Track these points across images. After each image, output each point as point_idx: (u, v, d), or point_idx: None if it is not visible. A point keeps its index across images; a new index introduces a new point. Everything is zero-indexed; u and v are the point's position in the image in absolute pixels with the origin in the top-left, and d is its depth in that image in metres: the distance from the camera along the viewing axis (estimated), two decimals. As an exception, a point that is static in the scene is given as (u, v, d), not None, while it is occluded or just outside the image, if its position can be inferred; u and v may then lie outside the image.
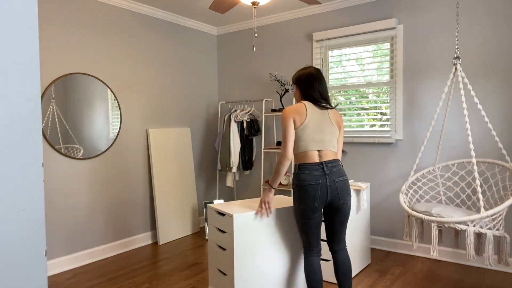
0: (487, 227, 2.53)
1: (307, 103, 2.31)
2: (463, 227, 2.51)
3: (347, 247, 2.55)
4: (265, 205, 2.36)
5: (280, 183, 4.16)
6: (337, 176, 2.25)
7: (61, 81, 3.34)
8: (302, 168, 2.25)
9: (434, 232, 2.62)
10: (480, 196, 2.51)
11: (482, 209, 2.48)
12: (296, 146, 2.28)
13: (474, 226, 2.51)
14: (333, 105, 2.42)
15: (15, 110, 1.21)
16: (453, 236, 3.43)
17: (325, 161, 2.24)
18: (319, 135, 2.26)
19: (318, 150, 2.26)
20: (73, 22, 3.44)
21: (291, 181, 4.09)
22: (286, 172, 4.18)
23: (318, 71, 2.37)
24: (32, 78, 1.25)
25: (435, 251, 2.63)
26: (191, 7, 4.12)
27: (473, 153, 2.61)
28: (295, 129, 2.25)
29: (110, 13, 3.75)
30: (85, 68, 3.54)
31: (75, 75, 3.44)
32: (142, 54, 4.07)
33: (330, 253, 2.44)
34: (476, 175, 2.58)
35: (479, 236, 2.76)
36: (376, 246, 3.86)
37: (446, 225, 2.56)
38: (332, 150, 2.29)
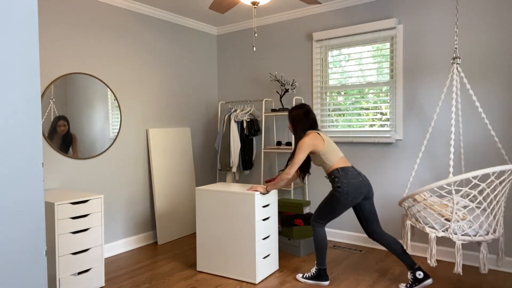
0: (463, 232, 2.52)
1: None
2: (431, 230, 2.51)
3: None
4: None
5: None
6: None
7: (61, 81, 3.34)
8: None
9: (431, 236, 2.61)
10: (451, 163, 2.55)
11: (450, 175, 2.54)
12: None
13: (444, 231, 2.52)
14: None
15: (15, 110, 1.21)
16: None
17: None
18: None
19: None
20: (73, 22, 3.44)
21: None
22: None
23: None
24: (32, 78, 1.25)
25: (432, 260, 2.61)
26: (191, 7, 4.12)
27: (451, 169, 2.60)
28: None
29: (110, 13, 3.75)
30: (85, 68, 3.54)
31: (75, 75, 3.45)
32: (142, 54, 4.07)
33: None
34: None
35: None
36: (376, 246, 3.86)
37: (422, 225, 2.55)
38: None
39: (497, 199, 2.49)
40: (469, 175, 2.36)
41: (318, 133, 2.95)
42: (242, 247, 3.05)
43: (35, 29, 1.25)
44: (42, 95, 3.20)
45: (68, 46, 3.41)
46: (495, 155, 3.22)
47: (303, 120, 3.00)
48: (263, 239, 3.11)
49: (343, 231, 4.07)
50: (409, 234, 2.94)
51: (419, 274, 2.78)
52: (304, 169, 3.15)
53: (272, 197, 3.24)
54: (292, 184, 4.05)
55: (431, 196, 2.68)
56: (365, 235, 3.91)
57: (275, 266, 3.30)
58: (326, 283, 2.98)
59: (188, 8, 4.17)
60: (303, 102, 4.28)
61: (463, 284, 2.97)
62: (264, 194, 3.07)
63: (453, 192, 2.44)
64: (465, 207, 2.67)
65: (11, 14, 1.19)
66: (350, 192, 2.80)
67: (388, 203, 3.78)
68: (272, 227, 3.24)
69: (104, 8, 3.69)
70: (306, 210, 3.79)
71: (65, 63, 3.39)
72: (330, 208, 2.89)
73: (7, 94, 1.19)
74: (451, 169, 2.58)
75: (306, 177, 3.19)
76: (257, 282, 3.02)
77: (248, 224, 3.02)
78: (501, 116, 3.20)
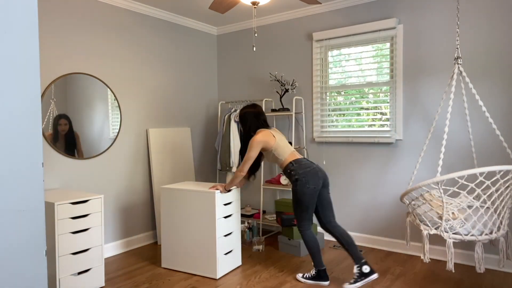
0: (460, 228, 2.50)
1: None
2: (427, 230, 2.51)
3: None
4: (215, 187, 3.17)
5: (281, 183, 4.16)
6: None
7: (61, 81, 3.34)
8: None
9: (423, 234, 2.62)
10: (440, 162, 2.56)
11: (438, 174, 2.55)
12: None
13: (436, 228, 2.52)
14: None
15: (15, 110, 1.21)
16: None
17: None
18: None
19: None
20: (73, 22, 3.44)
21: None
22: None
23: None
24: (32, 78, 1.25)
25: (426, 256, 2.62)
26: (191, 7, 4.12)
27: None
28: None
29: (110, 13, 3.75)
30: (85, 68, 3.54)
31: (75, 75, 3.44)
32: (142, 54, 4.07)
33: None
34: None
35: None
36: (376, 246, 3.86)
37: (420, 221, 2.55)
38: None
39: (491, 199, 2.46)
40: (455, 175, 2.35)
41: (270, 131, 3.05)
42: (203, 244, 3.16)
43: (35, 29, 1.25)
44: (42, 95, 3.20)
45: (68, 46, 3.41)
46: (500, 154, 3.22)
47: (253, 119, 3.11)
48: (225, 236, 3.21)
49: (343, 231, 4.07)
50: (408, 231, 2.94)
51: (366, 268, 2.83)
52: (253, 169, 3.22)
53: (234, 196, 3.35)
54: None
55: (427, 191, 2.68)
56: (365, 235, 3.91)
57: (238, 262, 3.41)
58: (326, 283, 2.99)
59: (188, 8, 4.17)
60: (303, 102, 4.29)
61: (463, 284, 2.97)
62: (223, 192, 3.16)
63: (441, 191, 2.44)
64: (469, 207, 2.66)
65: (11, 14, 1.19)
66: (309, 181, 2.87)
67: (388, 203, 3.78)
68: (234, 224, 3.35)
69: (104, 8, 3.69)
70: (306, 210, 3.78)
71: (65, 63, 3.39)
72: (301, 206, 2.93)
73: (7, 94, 1.19)
74: (439, 169, 2.61)
75: (252, 178, 3.30)
76: (217, 277, 3.12)
77: (209, 221, 3.13)
78: (505, 116, 3.20)
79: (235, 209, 3.34)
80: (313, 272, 3.02)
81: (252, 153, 2.99)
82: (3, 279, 1.18)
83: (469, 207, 2.65)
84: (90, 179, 3.59)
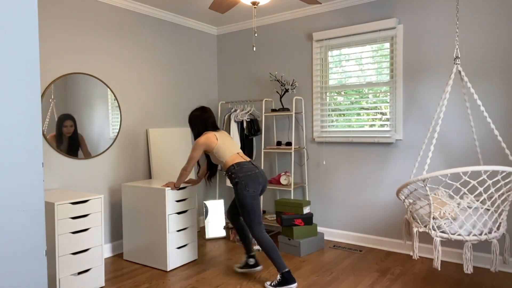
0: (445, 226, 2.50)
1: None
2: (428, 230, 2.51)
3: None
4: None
5: (281, 183, 4.16)
6: None
7: (61, 81, 3.34)
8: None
9: (413, 231, 2.64)
10: (428, 160, 2.58)
11: (424, 172, 2.64)
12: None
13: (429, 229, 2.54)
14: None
15: (15, 110, 1.21)
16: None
17: None
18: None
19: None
20: (73, 22, 3.45)
21: (290, 180, 4.09)
22: (286, 172, 4.18)
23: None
24: (32, 78, 1.25)
25: (414, 253, 2.63)
26: (191, 7, 4.12)
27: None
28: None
29: (110, 13, 3.75)
30: (85, 68, 3.54)
31: (75, 75, 3.45)
32: (142, 54, 4.07)
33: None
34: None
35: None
36: (376, 246, 3.86)
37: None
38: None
39: (480, 200, 2.42)
40: (439, 173, 2.35)
41: (214, 133, 3.11)
42: (156, 238, 3.36)
43: (35, 29, 1.25)
44: (42, 95, 3.20)
45: (68, 46, 3.41)
46: (500, 155, 3.22)
47: (200, 121, 3.17)
48: (178, 231, 3.39)
49: (343, 231, 4.08)
50: (404, 228, 2.95)
51: (251, 261, 3.19)
52: (210, 170, 3.39)
53: (190, 192, 3.52)
54: (292, 184, 4.05)
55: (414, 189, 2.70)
56: (365, 235, 3.92)
57: (193, 256, 3.57)
58: (294, 285, 2.90)
59: (188, 8, 4.17)
60: (303, 102, 4.29)
61: (463, 284, 2.97)
62: (173, 189, 3.33)
63: (427, 189, 2.44)
64: (469, 207, 2.66)
65: (11, 14, 1.19)
66: (249, 185, 2.91)
67: (388, 203, 3.78)
68: (189, 220, 3.52)
69: (104, 8, 3.69)
70: (306, 210, 3.79)
71: (65, 63, 3.39)
72: (246, 209, 2.94)
73: (7, 94, 1.19)
74: (426, 167, 2.65)
75: (211, 178, 3.48)
76: (168, 270, 3.30)
77: (161, 216, 3.32)
78: (505, 116, 3.20)
79: (191, 205, 3.52)
80: (278, 277, 2.92)
81: (194, 154, 3.10)
82: (3, 279, 1.18)
83: (467, 207, 2.64)
84: (90, 179, 3.59)
